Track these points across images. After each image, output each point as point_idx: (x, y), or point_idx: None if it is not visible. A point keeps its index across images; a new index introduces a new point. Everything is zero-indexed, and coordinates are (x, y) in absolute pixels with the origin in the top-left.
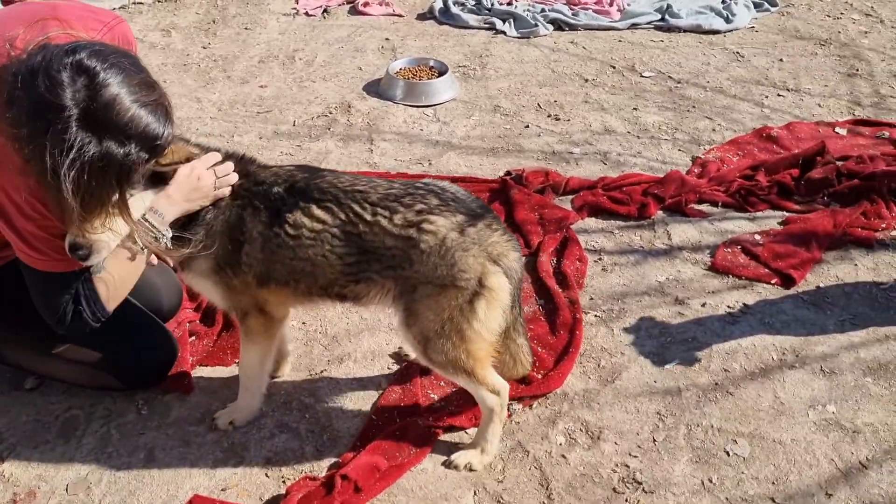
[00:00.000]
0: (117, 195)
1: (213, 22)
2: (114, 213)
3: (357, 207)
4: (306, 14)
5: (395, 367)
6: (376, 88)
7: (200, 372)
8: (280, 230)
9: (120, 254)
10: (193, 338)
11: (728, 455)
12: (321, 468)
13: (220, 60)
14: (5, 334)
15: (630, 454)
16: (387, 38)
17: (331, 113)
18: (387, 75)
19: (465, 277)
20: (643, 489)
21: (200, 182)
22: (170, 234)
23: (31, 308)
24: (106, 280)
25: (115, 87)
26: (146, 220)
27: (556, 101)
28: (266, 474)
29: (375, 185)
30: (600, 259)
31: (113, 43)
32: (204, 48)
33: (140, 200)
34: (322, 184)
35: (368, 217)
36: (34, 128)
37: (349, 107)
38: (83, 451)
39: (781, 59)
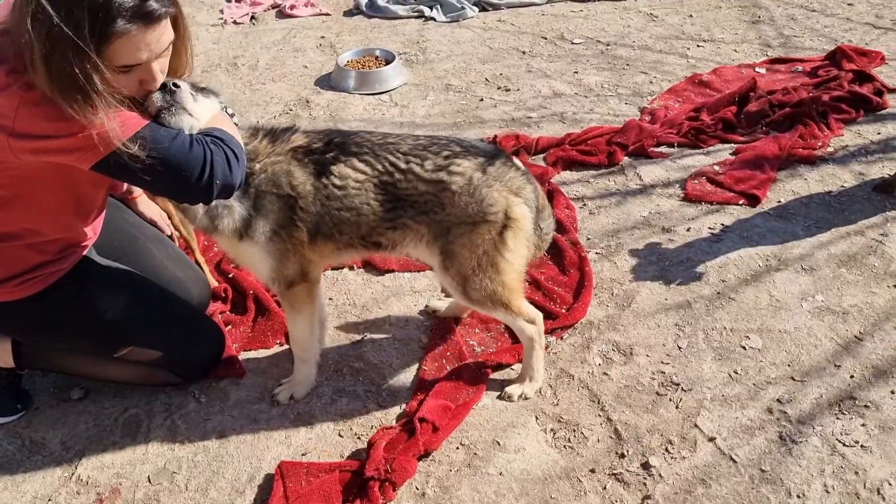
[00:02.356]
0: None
1: None
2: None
3: (392, 157)
4: (234, 22)
5: (429, 323)
6: (328, 82)
7: (245, 356)
8: (328, 181)
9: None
10: (229, 327)
11: (745, 349)
12: (390, 420)
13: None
14: (65, 347)
15: (662, 362)
16: (322, 36)
17: (291, 110)
18: (337, 68)
19: (493, 211)
20: (682, 388)
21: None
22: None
23: (89, 320)
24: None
25: None
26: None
27: (501, 74)
28: (339, 434)
29: (404, 138)
30: (585, 205)
31: None
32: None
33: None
34: (357, 139)
35: (402, 165)
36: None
37: (307, 102)
38: (154, 445)
39: (691, 16)
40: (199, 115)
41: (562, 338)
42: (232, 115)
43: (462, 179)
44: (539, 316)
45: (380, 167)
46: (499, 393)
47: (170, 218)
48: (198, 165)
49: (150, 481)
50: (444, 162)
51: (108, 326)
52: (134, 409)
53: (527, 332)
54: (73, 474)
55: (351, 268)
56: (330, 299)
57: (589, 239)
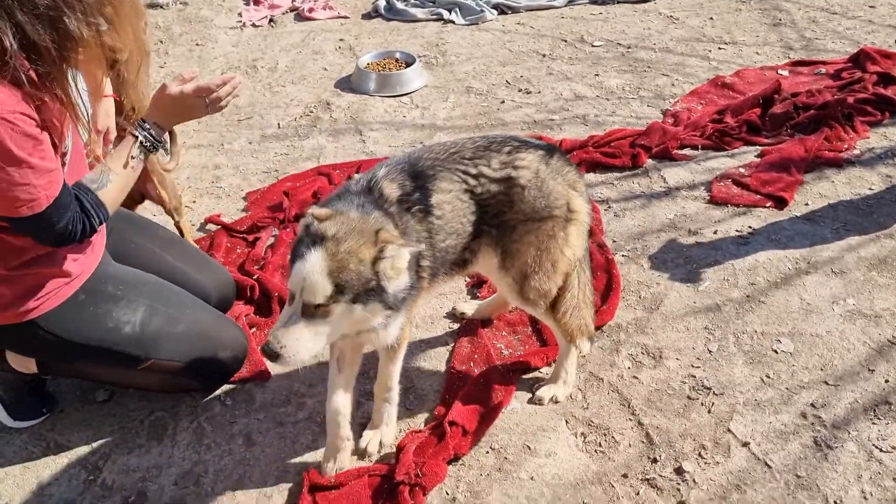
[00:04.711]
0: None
1: (161, 42)
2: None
3: (461, 166)
4: (253, 25)
5: (455, 326)
6: (348, 84)
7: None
8: (431, 217)
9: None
10: (254, 329)
11: (776, 353)
12: (418, 423)
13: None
14: (89, 361)
15: (692, 366)
16: (341, 39)
17: (312, 112)
18: (357, 70)
19: (558, 205)
20: (713, 392)
21: (181, 97)
22: (162, 142)
23: (106, 339)
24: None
25: None
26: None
27: (522, 77)
28: None
29: (461, 143)
30: (609, 207)
31: None
32: (161, 67)
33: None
34: (425, 161)
35: (473, 170)
36: None
37: (328, 104)
38: (180, 448)
39: (711, 18)
40: None
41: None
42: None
43: (529, 173)
44: None
45: (457, 179)
46: (528, 396)
47: (163, 206)
48: (62, 240)
49: (176, 485)
50: (509, 158)
51: (127, 344)
52: (159, 412)
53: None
54: (98, 477)
55: None
56: None
57: (615, 241)
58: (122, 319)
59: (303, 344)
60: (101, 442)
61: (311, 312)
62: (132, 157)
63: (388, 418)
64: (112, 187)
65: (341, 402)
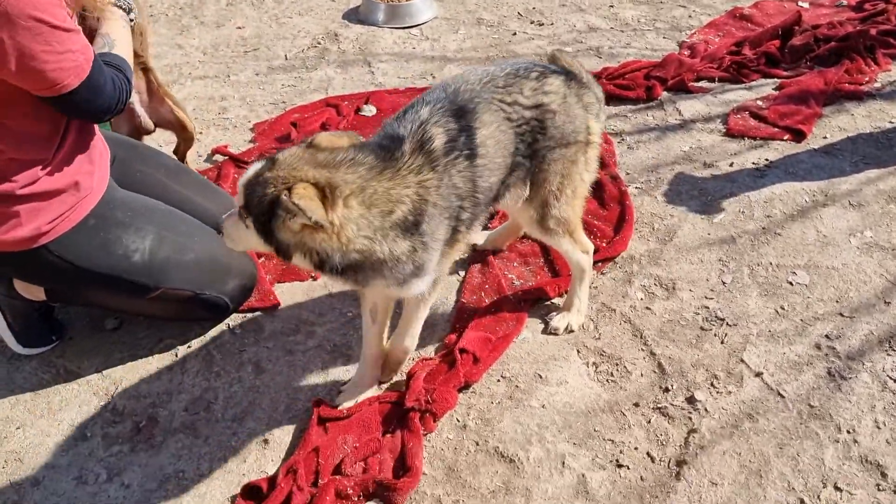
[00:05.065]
0: None
1: None
2: None
3: (498, 95)
4: None
5: (466, 256)
6: (356, 16)
7: (279, 288)
8: (476, 160)
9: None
10: (262, 259)
11: (792, 285)
12: (429, 352)
13: (188, 7)
14: (99, 288)
15: (706, 297)
16: None
17: (319, 43)
18: (365, 1)
19: (581, 129)
20: (727, 323)
21: None
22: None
23: (115, 266)
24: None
25: None
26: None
27: (534, 8)
28: None
29: (491, 72)
30: (623, 140)
31: None
32: None
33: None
34: (464, 94)
35: (509, 99)
36: None
37: (336, 35)
38: (190, 375)
39: None
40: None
41: (603, 272)
42: (129, 11)
43: (557, 97)
44: (591, 246)
45: (496, 108)
46: (539, 327)
47: (181, 131)
48: (113, 104)
49: (186, 411)
50: (538, 84)
51: (136, 271)
52: (169, 339)
53: (582, 264)
54: (109, 403)
55: None
56: None
57: (628, 174)
58: (131, 246)
59: (234, 233)
60: (111, 369)
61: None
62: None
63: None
64: (119, 49)
65: (376, 348)
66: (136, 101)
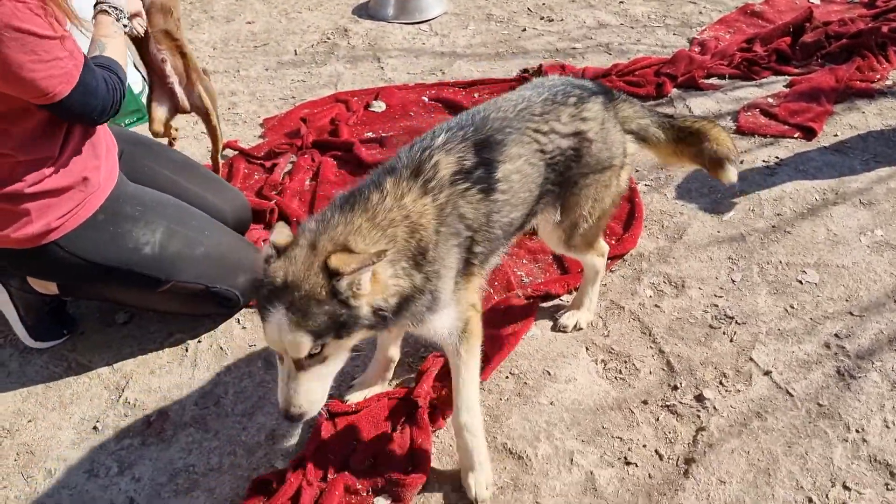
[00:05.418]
0: None
1: None
2: None
3: (532, 124)
4: None
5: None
6: (366, 11)
7: None
8: (494, 194)
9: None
10: None
11: (801, 284)
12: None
13: (198, 3)
14: (110, 283)
15: (715, 296)
16: None
17: (329, 38)
18: None
19: (618, 154)
20: (736, 322)
21: None
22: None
23: (125, 260)
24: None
25: None
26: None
27: (544, 4)
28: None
29: (527, 97)
30: None
31: None
32: None
33: None
34: (493, 121)
35: (545, 128)
36: None
37: (345, 31)
38: (200, 370)
39: None
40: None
41: (612, 269)
42: (119, 19)
43: (596, 125)
44: (607, 249)
45: (528, 140)
46: (548, 324)
47: (206, 117)
48: (108, 105)
49: (196, 405)
50: (576, 110)
51: (147, 265)
52: (179, 333)
53: (596, 266)
54: (120, 397)
55: None
56: None
57: (638, 171)
58: (141, 240)
59: (314, 394)
60: (122, 363)
61: (305, 363)
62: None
63: (479, 462)
64: (111, 52)
65: (390, 352)
66: (176, 82)
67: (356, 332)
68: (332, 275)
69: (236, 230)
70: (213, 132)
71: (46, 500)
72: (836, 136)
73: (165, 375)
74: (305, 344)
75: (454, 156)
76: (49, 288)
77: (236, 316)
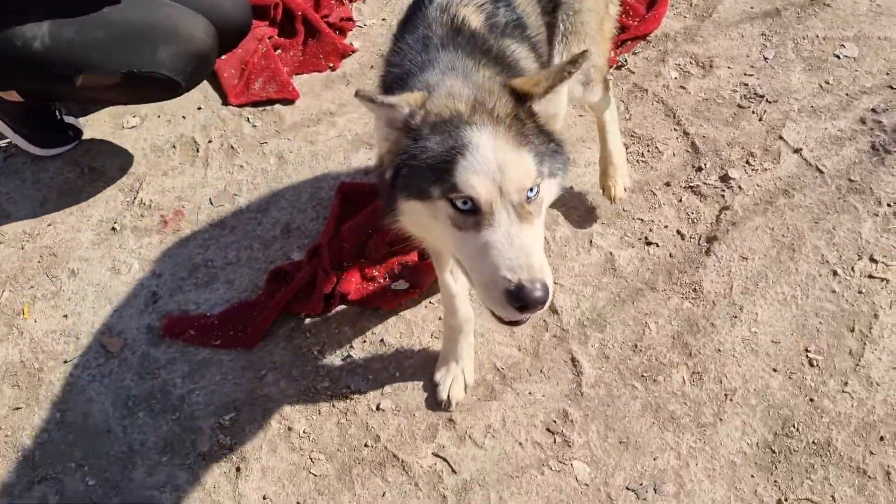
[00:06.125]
0: None
1: None
2: None
3: None
4: None
5: None
6: None
7: (297, 80)
8: (526, 31)
9: None
10: (279, 51)
11: (839, 58)
12: None
13: None
14: (27, 82)
15: (745, 74)
16: None
17: None
18: None
19: None
20: (766, 100)
21: None
22: None
23: (26, 55)
24: None
25: None
26: None
27: None
28: None
29: None
30: None
31: None
32: None
33: None
34: None
35: None
36: None
37: None
38: (213, 169)
39: None
40: None
41: (634, 52)
42: None
43: None
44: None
45: None
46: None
47: None
48: None
49: (211, 203)
50: None
51: (43, 59)
52: (189, 134)
53: (613, 113)
54: (135, 198)
55: None
56: None
57: None
58: (28, 35)
59: (545, 260)
60: (134, 165)
61: (527, 212)
62: None
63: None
64: None
65: (467, 309)
66: None
67: (559, 172)
68: (521, 98)
69: (240, 28)
70: None
71: (73, 297)
72: None
73: (178, 176)
74: (532, 167)
75: (473, 4)
76: (12, 95)
77: (245, 115)
